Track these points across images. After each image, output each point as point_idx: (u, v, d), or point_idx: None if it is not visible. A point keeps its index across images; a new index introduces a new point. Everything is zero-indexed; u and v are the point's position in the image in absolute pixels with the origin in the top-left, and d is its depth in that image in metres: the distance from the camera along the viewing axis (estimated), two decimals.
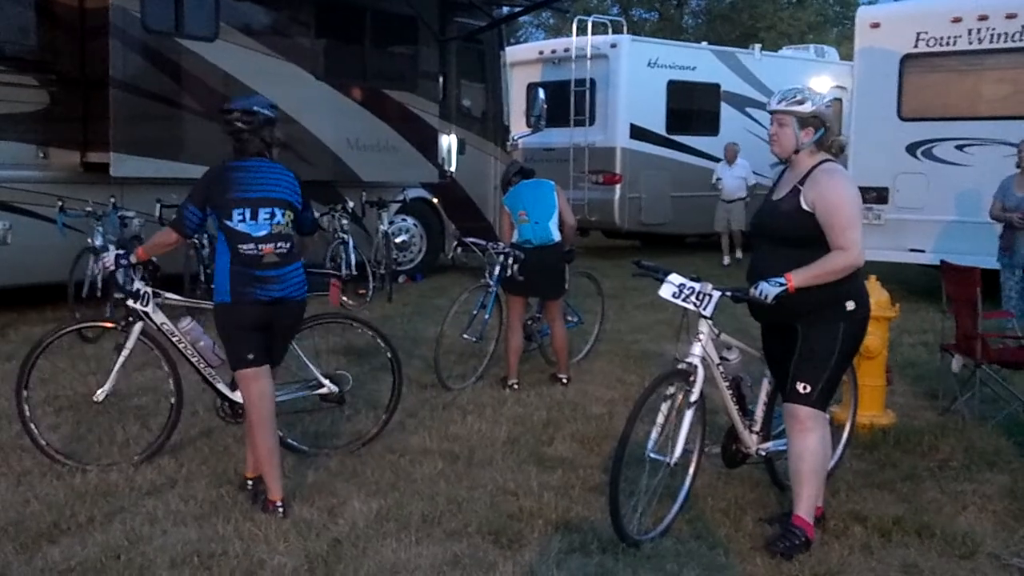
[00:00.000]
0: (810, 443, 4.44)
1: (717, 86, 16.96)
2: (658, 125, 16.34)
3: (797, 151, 4.49)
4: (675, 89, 16.47)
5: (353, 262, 11.02)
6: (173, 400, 5.49)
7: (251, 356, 4.82)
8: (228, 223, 4.78)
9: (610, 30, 17.04)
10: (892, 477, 5.46)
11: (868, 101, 12.16)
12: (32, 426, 5.35)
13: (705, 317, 4.58)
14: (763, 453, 4.96)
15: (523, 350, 7.76)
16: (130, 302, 5.29)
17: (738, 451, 4.93)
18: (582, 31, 16.17)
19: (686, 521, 4.75)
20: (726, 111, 17.08)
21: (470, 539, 4.47)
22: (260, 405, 4.85)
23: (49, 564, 4.13)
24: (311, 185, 11.78)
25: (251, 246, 4.76)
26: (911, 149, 11.75)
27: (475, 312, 7.56)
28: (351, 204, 11.43)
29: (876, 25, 12.10)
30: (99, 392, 5.41)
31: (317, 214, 10.85)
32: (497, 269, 7.43)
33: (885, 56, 11.87)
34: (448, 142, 13.44)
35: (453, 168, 13.46)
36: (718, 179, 15.73)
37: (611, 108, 16.00)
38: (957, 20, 11.37)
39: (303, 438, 5.82)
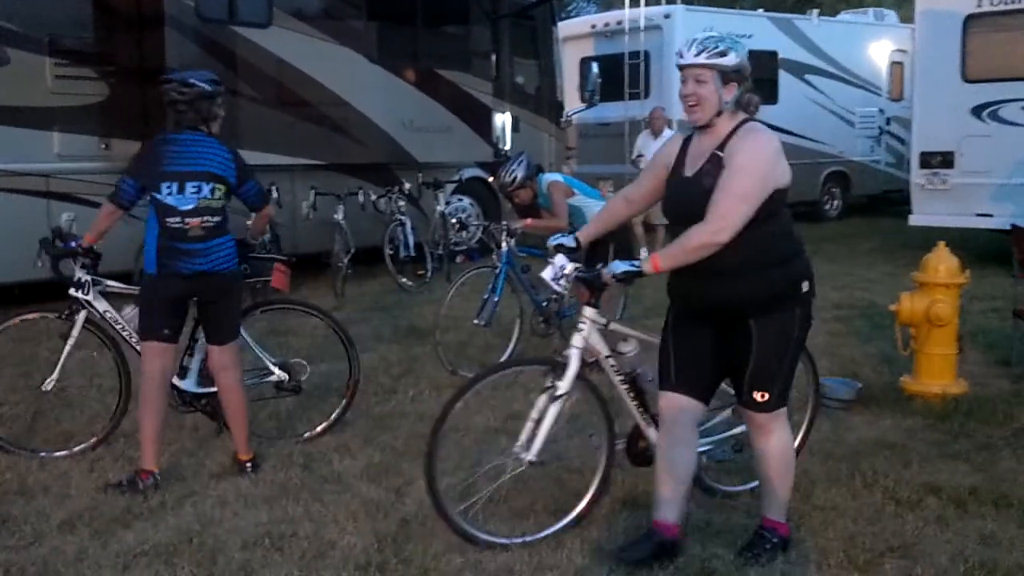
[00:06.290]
0: (771, 444, 4.00)
1: (774, 53, 16.63)
2: None
3: (719, 113, 3.82)
4: None
5: (412, 243, 11.07)
6: (121, 386, 5.52)
7: (166, 331, 4.93)
8: (157, 196, 4.85)
9: (663, 1, 16.83)
10: (966, 447, 5.35)
11: (931, 64, 11.90)
12: None
13: (591, 305, 4.20)
14: None
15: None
16: (72, 291, 5.32)
17: (645, 448, 4.48)
18: (635, 3, 15.94)
19: (757, 496, 4.68)
20: (784, 79, 16.78)
21: (536, 517, 4.46)
22: (156, 382, 4.93)
23: (124, 548, 4.20)
24: (368, 168, 11.94)
25: (177, 219, 4.83)
26: (976, 111, 11.48)
27: (485, 296, 7.28)
28: (408, 186, 11.48)
29: None
30: (47, 382, 5.43)
31: (374, 196, 11.09)
32: (505, 248, 7.23)
33: (947, 17, 11.59)
34: (502, 120, 13.43)
35: (508, 146, 13.44)
36: (639, 155, 13.00)
37: (666, 80, 15.74)
38: None
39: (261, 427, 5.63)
